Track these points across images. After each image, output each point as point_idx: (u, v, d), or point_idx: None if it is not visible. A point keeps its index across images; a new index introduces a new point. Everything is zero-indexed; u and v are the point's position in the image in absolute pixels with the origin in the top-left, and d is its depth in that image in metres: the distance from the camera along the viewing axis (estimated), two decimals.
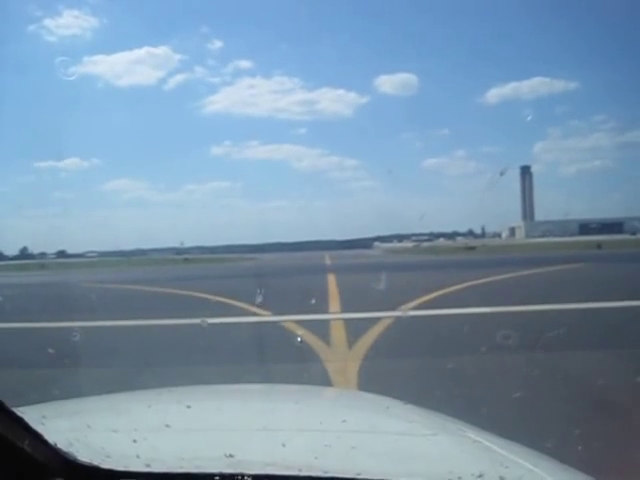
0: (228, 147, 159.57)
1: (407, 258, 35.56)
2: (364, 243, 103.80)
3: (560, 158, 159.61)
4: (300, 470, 0.97)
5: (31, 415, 0.95)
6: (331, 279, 17.67)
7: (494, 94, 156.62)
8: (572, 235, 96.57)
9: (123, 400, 1.81)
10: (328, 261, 33.53)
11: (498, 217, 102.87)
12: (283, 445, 1.13)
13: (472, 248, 53.19)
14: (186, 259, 50.94)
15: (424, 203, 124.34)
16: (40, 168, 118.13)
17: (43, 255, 65.51)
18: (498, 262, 25.06)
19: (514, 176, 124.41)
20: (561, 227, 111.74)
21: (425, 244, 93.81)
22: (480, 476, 0.99)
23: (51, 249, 67.19)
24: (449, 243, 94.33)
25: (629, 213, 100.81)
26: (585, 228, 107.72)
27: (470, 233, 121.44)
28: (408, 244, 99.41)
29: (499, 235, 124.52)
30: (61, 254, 67.27)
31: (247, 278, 19.20)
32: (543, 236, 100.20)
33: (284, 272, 22.48)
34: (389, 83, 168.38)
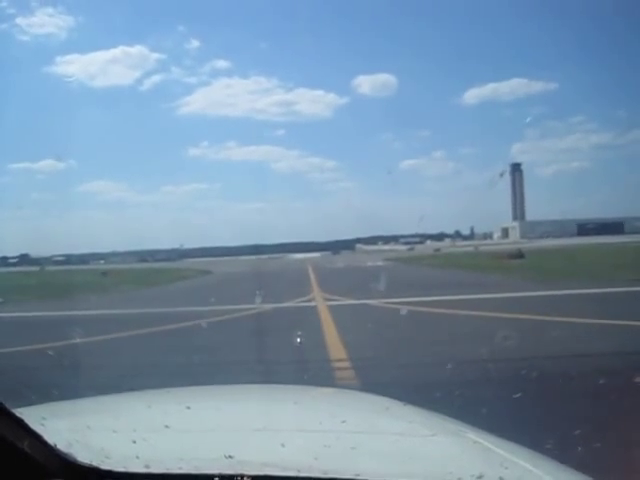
0: (205, 148, 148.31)
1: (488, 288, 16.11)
2: (345, 245, 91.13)
3: (538, 159, 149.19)
4: (299, 471, 0.93)
5: (31, 416, 0.90)
6: None
7: (473, 95, 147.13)
8: (571, 236, 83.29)
9: (122, 401, 1.72)
10: (321, 305, 13.10)
11: (485, 217, 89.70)
12: (282, 446, 1.08)
13: (520, 256, 33.80)
14: (104, 273, 33.69)
15: (405, 204, 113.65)
16: (15, 170, 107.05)
17: (4, 259, 62.18)
18: None
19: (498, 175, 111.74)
20: (558, 227, 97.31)
21: (418, 247, 77.77)
22: (480, 477, 0.94)
23: (17, 252, 62.76)
24: (441, 244, 78.82)
25: (612, 213, 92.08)
26: (583, 228, 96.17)
27: (458, 234, 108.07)
28: (399, 247, 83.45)
29: (490, 236, 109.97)
30: (23, 258, 61.63)
31: None
32: (541, 237, 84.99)
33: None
34: (368, 84, 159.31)
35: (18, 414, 0.85)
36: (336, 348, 6.87)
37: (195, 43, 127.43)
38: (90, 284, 24.27)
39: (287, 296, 14.16)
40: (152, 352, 6.92)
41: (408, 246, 77.47)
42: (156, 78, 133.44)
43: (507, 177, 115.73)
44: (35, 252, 60.27)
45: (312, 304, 12.72)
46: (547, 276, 17.80)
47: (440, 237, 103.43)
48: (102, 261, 69.07)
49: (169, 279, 28.38)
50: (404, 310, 10.51)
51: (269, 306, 11.87)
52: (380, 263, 35.54)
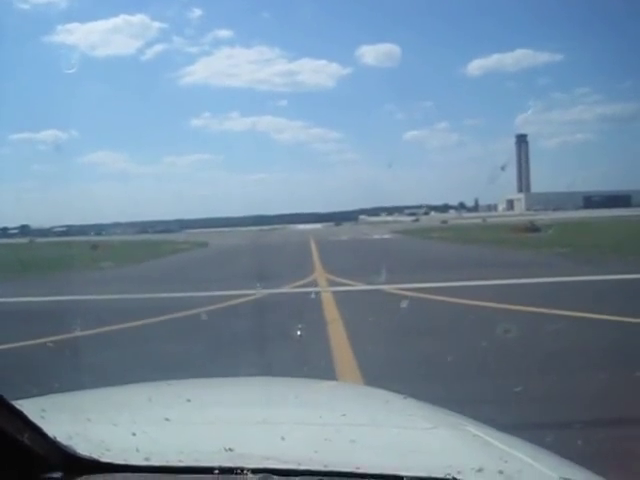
0: (208, 119, 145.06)
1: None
2: (348, 216, 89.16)
3: (542, 130, 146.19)
4: (299, 464, 0.91)
5: (31, 408, 0.89)
6: None
7: (477, 66, 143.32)
8: (577, 208, 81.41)
9: (123, 393, 1.67)
10: (326, 292, 9.84)
11: (489, 189, 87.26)
12: (282, 439, 1.05)
13: (536, 230, 31.35)
14: (94, 246, 30.55)
15: (408, 175, 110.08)
16: (16, 140, 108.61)
17: (4, 230, 61.31)
18: None
19: (502, 147, 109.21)
20: (564, 199, 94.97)
21: (423, 218, 75.35)
22: (479, 470, 0.93)
23: (18, 223, 60.71)
24: (446, 216, 76.33)
25: (615, 186, 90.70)
26: (589, 201, 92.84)
27: (462, 206, 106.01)
28: (403, 218, 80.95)
29: (495, 208, 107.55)
30: (24, 229, 59.35)
31: None
32: (547, 209, 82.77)
33: None
34: (371, 54, 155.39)
35: (18, 406, 0.84)
36: (350, 378, 4.40)
37: (197, 12, 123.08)
38: (71, 259, 21.85)
39: (284, 278, 11.66)
40: (69, 378, 4.40)
41: (413, 217, 74.99)
42: (158, 48, 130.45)
43: (512, 148, 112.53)
44: (36, 223, 59.08)
45: (314, 290, 10.21)
46: (585, 254, 15.22)
47: (444, 209, 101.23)
48: (103, 232, 67.71)
49: (161, 253, 26.12)
50: (432, 302, 8.04)
51: (261, 293, 9.37)
52: (387, 236, 33.02)
